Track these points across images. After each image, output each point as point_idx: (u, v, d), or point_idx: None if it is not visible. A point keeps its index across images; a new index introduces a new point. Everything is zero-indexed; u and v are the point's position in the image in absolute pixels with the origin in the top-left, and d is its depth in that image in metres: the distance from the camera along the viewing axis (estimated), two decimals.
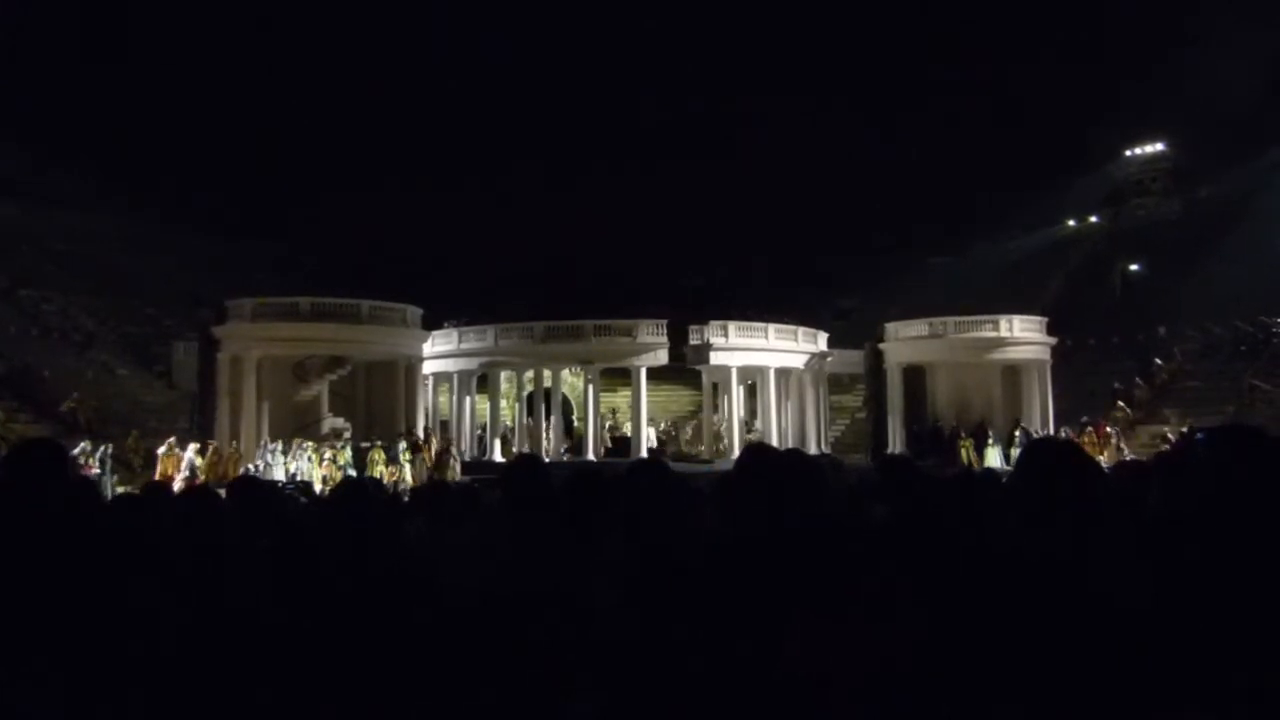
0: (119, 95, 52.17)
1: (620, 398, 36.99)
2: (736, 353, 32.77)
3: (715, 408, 35.18)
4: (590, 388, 32.14)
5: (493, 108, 64.16)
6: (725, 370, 33.13)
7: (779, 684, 2.16)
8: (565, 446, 33.82)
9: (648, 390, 43.23)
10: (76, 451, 22.99)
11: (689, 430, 37.15)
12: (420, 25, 64.64)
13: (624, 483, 3.37)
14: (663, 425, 39.73)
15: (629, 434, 34.35)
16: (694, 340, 33.59)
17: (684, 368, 39.14)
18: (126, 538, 3.44)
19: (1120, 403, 31.13)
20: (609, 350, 31.64)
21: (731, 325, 33.13)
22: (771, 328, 34.08)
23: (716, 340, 32.45)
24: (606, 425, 36.50)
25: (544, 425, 33.42)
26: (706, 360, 32.60)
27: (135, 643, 2.57)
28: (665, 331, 31.48)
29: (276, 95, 57.47)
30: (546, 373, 33.16)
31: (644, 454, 29.37)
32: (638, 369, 31.69)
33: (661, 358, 31.54)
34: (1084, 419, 30.96)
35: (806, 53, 63.77)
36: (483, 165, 60.56)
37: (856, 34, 62.72)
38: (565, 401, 36.27)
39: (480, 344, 32.78)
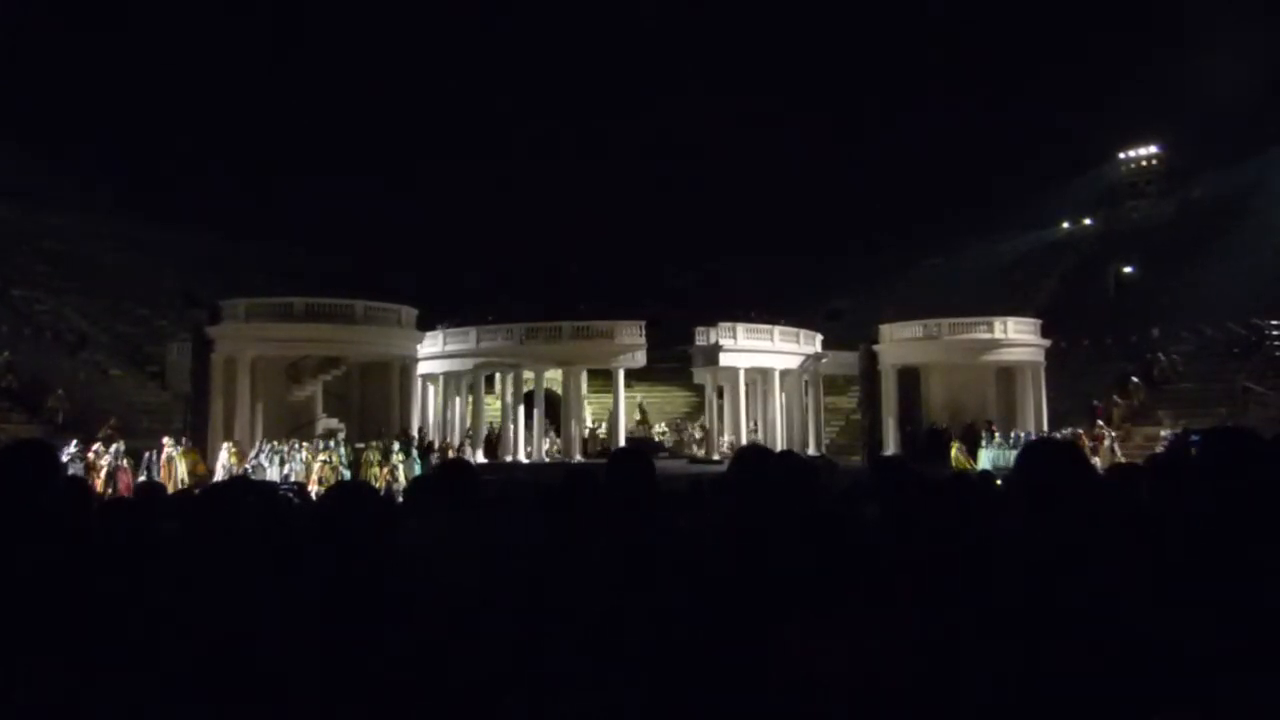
0: (113, 94, 52.06)
1: (602, 401, 37.03)
2: (744, 354, 32.87)
3: (718, 409, 35.28)
4: (571, 389, 32.01)
5: (491, 107, 64.16)
6: (733, 371, 33.22)
7: (776, 685, 2.16)
8: (556, 448, 33.73)
9: (644, 392, 43.34)
10: (111, 452, 23.55)
11: (697, 431, 37.11)
12: (416, 29, 64.62)
13: (607, 476, 3.38)
14: (659, 426, 39.68)
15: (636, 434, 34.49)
16: (700, 341, 33.69)
17: (680, 368, 39.22)
18: (115, 537, 3.43)
19: (1100, 423, 30.87)
20: (587, 351, 31.53)
21: (739, 327, 33.23)
22: (776, 329, 34.23)
23: (726, 341, 32.56)
24: (601, 426, 36.41)
25: (520, 426, 33.16)
26: (716, 361, 32.64)
27: (125, 641, 2.56)
28: (644, 333, 31.33)
29: (272, 95, 57.44)
30: (529, 374, 33.05)
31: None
32: (616, 370, 31.68)
33: (640, 359, 31.40)
34: (1073, 430, 30.86)
35: (803, 53, 63.88)
36: (480, 167, 60.57)
37: (852, 34, 62.85)
38: (561, 402, 36.19)
39: (463, 345, 32.67)
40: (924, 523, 3.47)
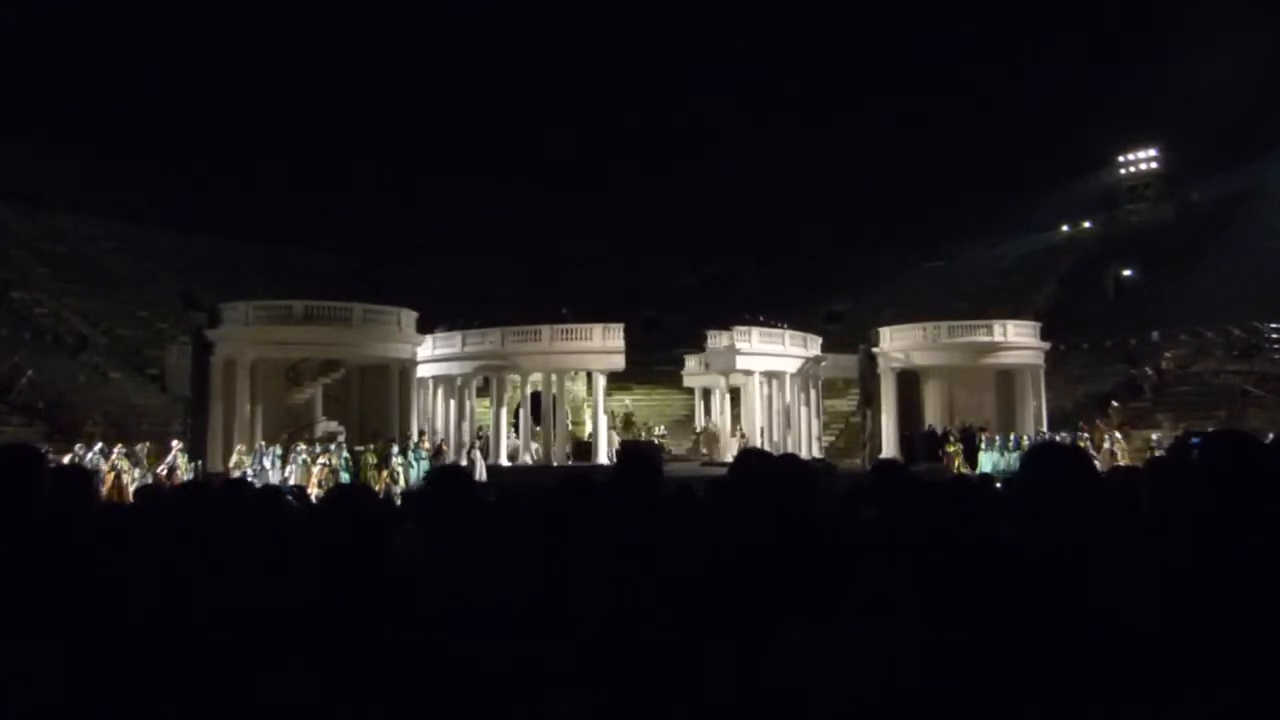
0: (112, 97, 52.10)
1: (614, 402, 36.89)
2: (759, 357, 32.91)
3: (709, 412, 35.16)
4: (553, 392, 31.94)
5: (488, 109, 64.20)
6: (745, 374, 33.25)
7: (776, 689, 2.16)
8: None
9: (644, 394, 43.30)
10: (169, 458, 24.24)
11: (703, 435, 37.07)
12: (413, 30, 64.70)
13: (612, 483, 3.37)
14: (659, 430, 39.60)
15: (647, 438, 34.48)
16: (713, 344, 33.62)
17: (674, 371, 39.21)
18: (107, 541, 3.43)
19: (1085, 436, 30.60)
20: (568, 354, 31.44)
21: (755, 330, 33.26)
22: (786, 333, 34.28)
23: (742, 344, 32.59)
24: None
25: (504, 429, 33.07)
26: (733, 364, 32.65)
27: (119, 642, 2.56)
28: (623, 336, 31.17)
29: (271, 98, 57.50)
30: (514, 377, 32.95)
31: (603, 459, 29.35)
32: (595, 375, 31.66)
33: (618, 363, 31.17)
34: (1074, 434, 30.74)
35: (802, 57, 63.96)
36: (479, 170, 60.60)
37: (851, 39, 62.96)
38: (543, 405, 36.14)
39: (451, 349, 32.62)
40: (924, 526, 3.47)
